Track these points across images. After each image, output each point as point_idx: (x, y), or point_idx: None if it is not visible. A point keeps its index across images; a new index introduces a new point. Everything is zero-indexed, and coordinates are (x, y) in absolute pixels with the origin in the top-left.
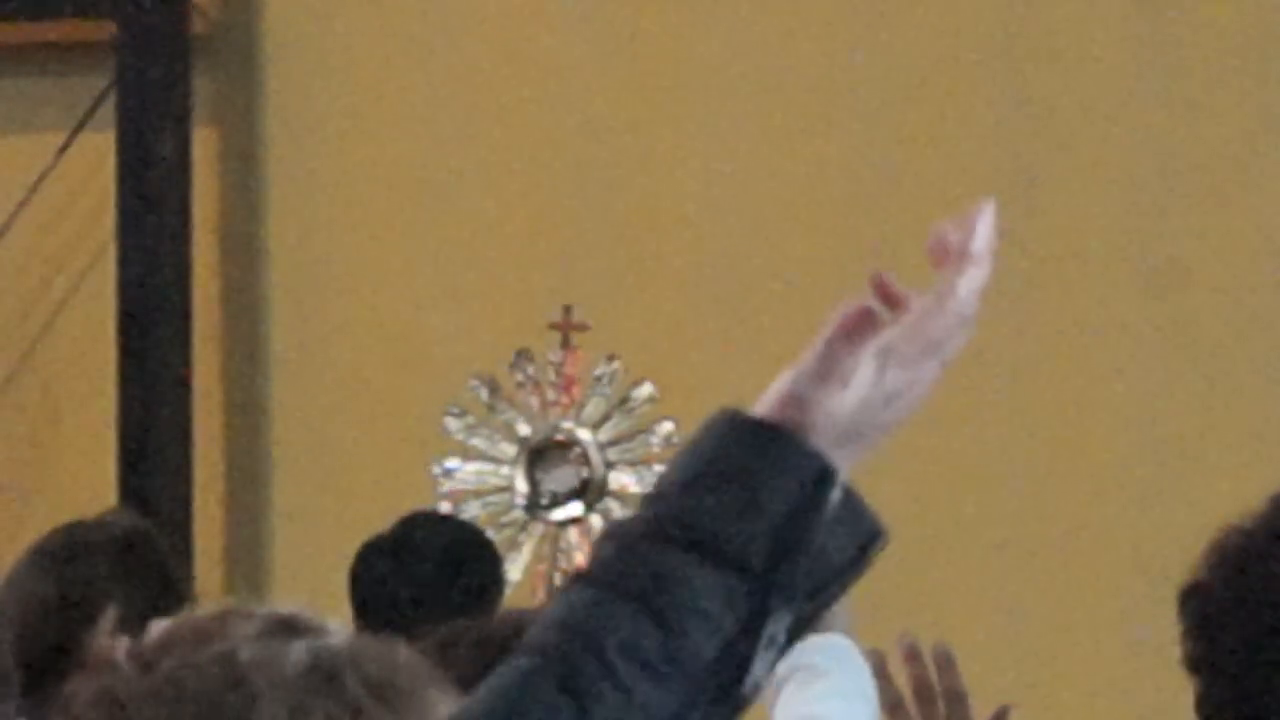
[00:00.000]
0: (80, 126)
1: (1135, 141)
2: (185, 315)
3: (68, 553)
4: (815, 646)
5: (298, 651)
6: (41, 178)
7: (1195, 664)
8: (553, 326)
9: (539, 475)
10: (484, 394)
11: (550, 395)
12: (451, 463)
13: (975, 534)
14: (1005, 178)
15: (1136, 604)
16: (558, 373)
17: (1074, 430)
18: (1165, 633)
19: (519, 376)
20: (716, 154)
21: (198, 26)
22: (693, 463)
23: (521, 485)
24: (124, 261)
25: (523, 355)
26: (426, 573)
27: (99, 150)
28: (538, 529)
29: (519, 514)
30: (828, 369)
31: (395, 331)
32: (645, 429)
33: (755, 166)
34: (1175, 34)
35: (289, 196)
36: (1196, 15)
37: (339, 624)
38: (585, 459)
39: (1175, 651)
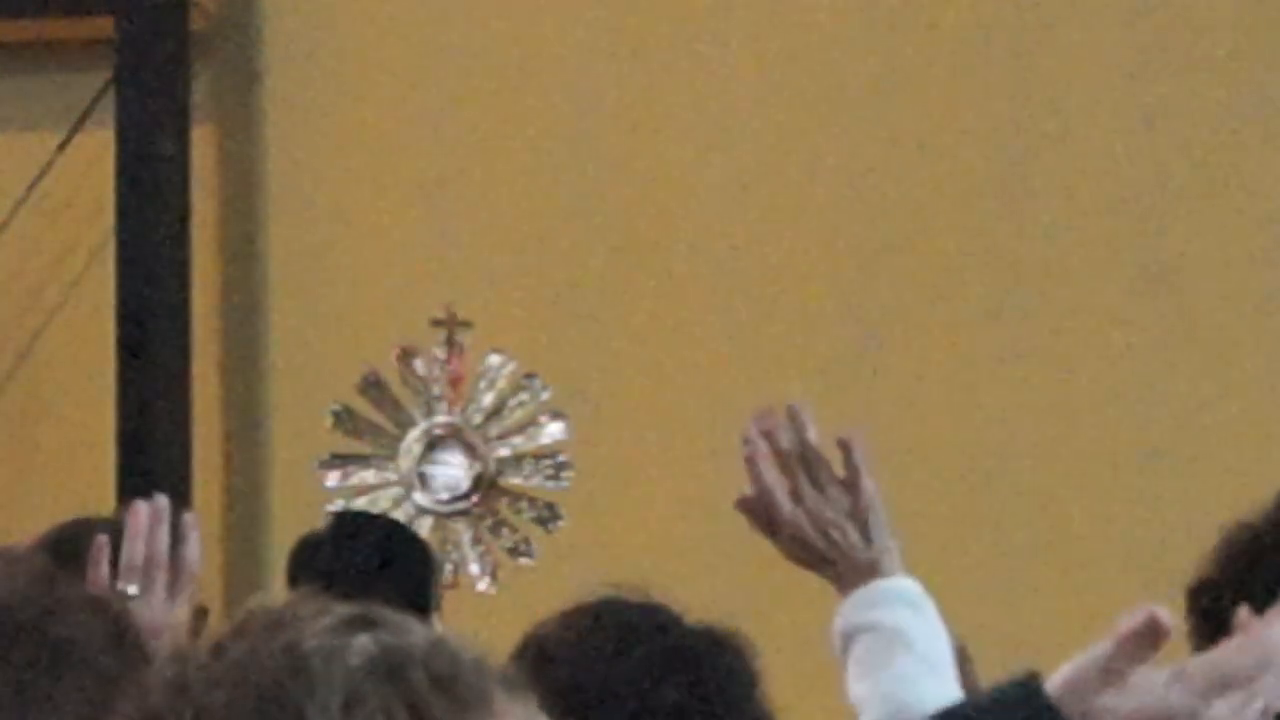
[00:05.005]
0: (79, 124)
1: (1128, 140)
2: (185, 315)
3: (67, 549)
4: (882, 596)
5: (363, 643)
6: (40, 176)
7: None
8: (435, 323)
9: (427, 471)
10: (370, 391)
11: (436, 391)
12: (338, 460)
13: (970, 532)
14: (999, 176)
15: (1130, 600)
16: (442, 369)
17: (1068, 427)
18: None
19: (405, 374)
20: (714, 153)
21: (197, 24)
22: (975, 701)
23: (409, 482)
24: (123, 260)
25: (407, 352)
26: (365, 568)
27: (98, 148)
28: (426, 525)
29: (408, 510)
30: (1110, 669)
31: (396, 332)
32: (534, 423)
33: (747, 165)
34: (1170, 33)
35: (289, 195)
36: (1192, 14)
37: (418, 623)
38: (476, 455)
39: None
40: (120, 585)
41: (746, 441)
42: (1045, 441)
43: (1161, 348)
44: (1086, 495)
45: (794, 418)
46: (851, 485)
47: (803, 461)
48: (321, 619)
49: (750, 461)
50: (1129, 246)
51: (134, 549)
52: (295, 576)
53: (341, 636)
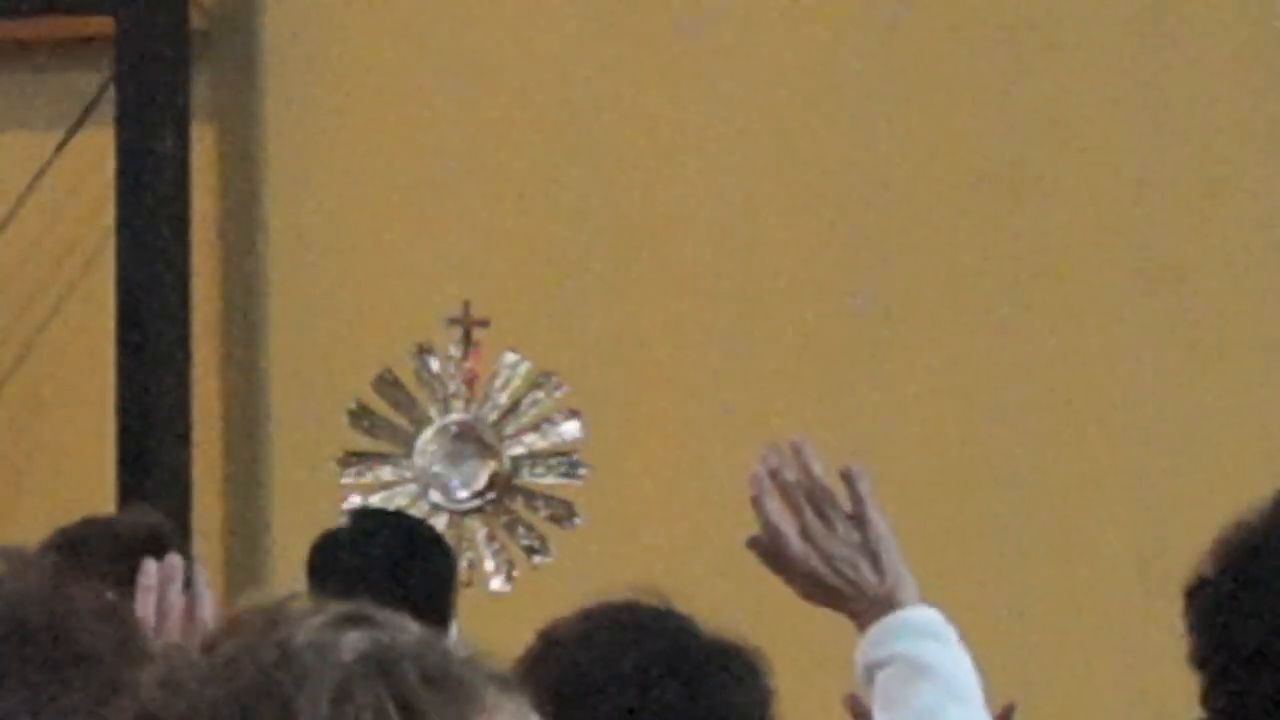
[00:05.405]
0: (79, 123)
1: (1129, 139)
2: (185, 313)
3: (69, 549)
4: (905, 627)
5: (354, 639)
6: (40, 174)
7: (1200, 660)
8: (452, 321)
9: (444, 470)
10: (385, 388)
11: (453, 389)
12: (354, 458)
13: (973, 530)
14: (1000, 175)
15: (1133, 597)
16: (458, 367)
17: (1069, 426)
18: (1163, 625)
19: (421, 371)
20: (714, 149)
21: (197, 22)
22: None
23: (425, 479)
24: (123, 258)
25: (424, 350)
26: (385, 564)
27: (98, 147)
28: (441, 523)
29: (425, 508)
30: None
31: (399, 331)
32: (550, 421)
33: (747, 162)
34: (1171, 33)
35: (289, 194)
36: (1193, 15)
37: (411, 621)
38: (492, 453)
39: (1171, 642)
40: None
41: (752, 480)
42: (1045, 441)
43: (1161, 348)
44: (1086, 495)
45: (799, 453)
46: (859, 518)
47: (809, 497)
48: (314, 616)
49: (756, 501)
50: (1129, 246)
51: (144, 604)
52: (316, 573)
53: (333, 633)
